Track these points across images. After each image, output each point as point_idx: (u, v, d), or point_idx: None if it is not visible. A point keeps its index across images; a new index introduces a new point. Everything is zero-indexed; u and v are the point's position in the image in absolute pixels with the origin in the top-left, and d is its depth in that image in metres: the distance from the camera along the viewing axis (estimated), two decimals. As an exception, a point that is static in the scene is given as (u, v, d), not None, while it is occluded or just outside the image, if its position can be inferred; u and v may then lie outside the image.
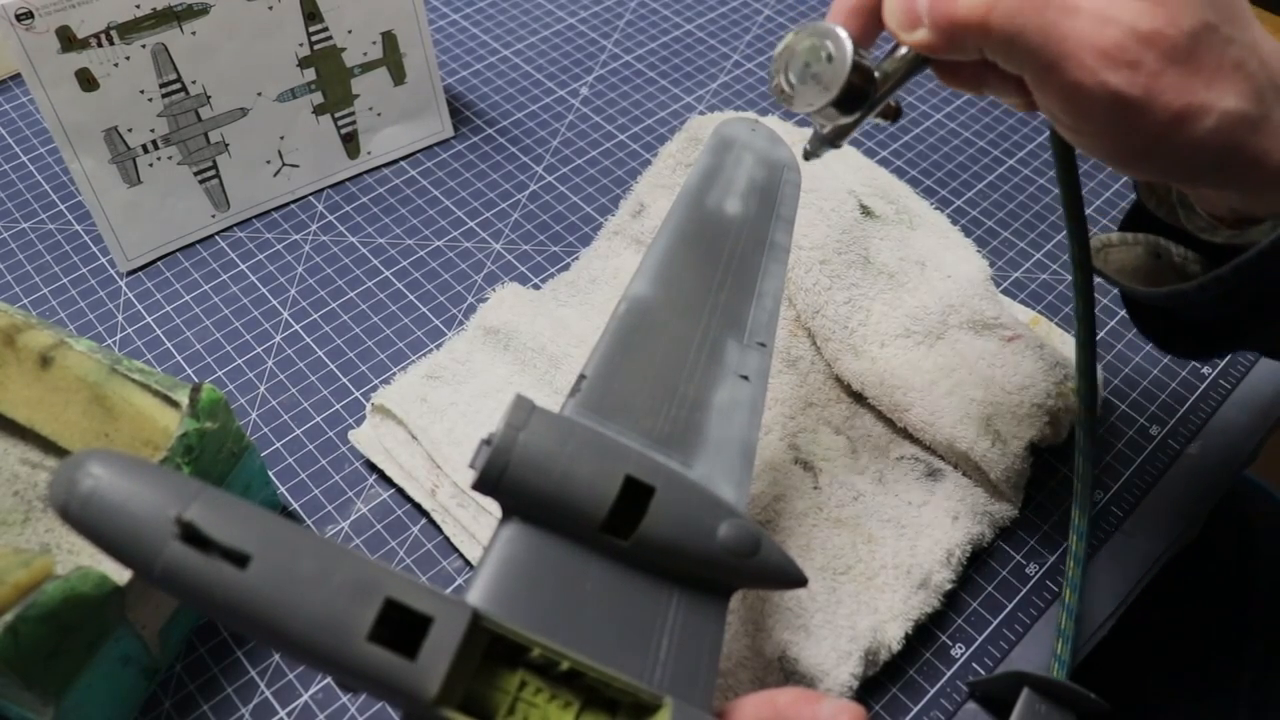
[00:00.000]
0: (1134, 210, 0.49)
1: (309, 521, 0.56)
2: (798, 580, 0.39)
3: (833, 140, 0.44)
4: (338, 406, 0.62)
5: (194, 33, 0.64)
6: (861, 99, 0.40)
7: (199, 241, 0.71)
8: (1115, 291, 0.62)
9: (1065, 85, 0.34)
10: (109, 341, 0.65)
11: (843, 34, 0.39)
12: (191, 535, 0.30)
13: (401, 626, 0.31)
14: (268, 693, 0.50)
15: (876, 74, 0.40)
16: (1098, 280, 0.49)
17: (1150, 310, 0.48)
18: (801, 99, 0.40)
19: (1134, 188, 0.48)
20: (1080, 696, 0.46)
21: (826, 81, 0.39)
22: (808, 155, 0.45)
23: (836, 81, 0.39)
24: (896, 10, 0.37)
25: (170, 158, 0.67)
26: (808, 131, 0.70)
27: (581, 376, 0.41)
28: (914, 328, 0.59)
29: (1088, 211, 0.70)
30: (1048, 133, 0.48)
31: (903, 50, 0.39)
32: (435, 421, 0.55)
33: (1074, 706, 0.47)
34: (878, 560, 0.52)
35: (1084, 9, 0.33)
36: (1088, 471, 0.53)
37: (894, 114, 0.44)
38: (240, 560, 0.30)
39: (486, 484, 0.36)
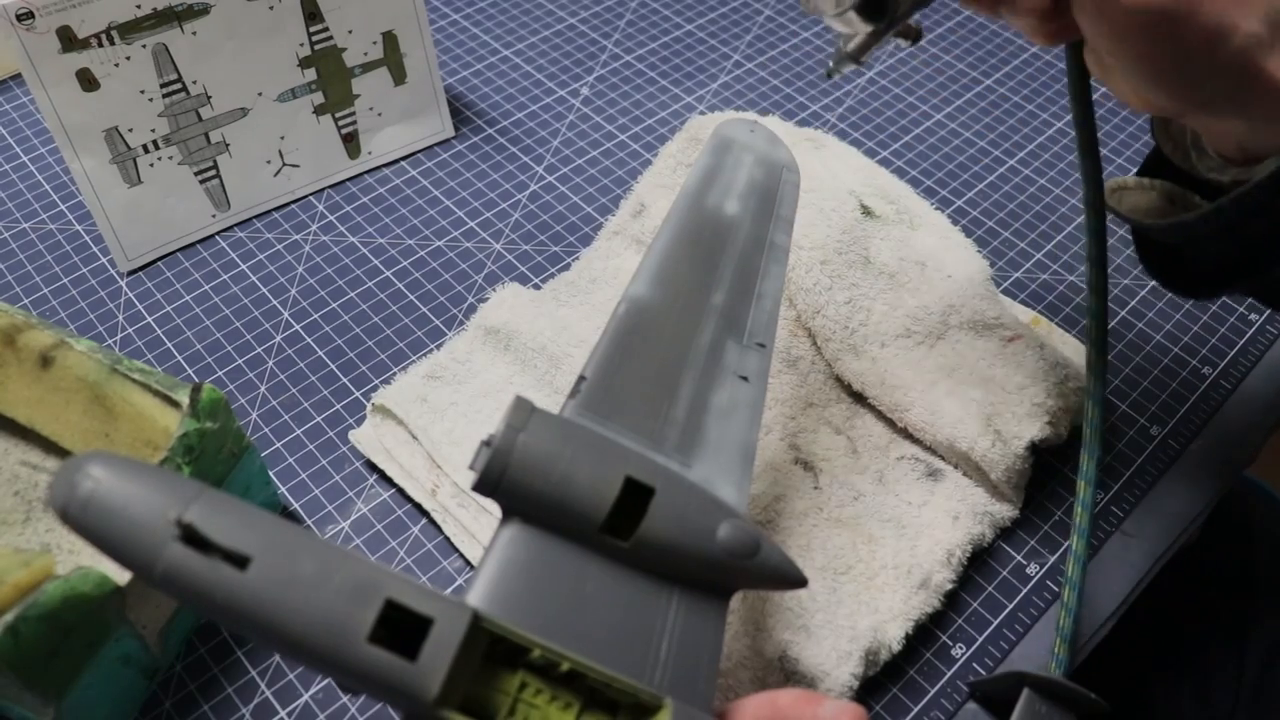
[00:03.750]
0: (1151, 158, 0.50)
1: (309, 521, 0.56)
2: (798, 581, 0.39)
3: (855, 56, 0.44)
4: (338, 406, 0.62)
5: (194, 33, 0.64)
6: (886, 6, 0.40)
7: (199, 241, 0.71)
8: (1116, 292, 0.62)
9: None
10: (109, 341, 0.65)
11: None
12: (191, 537, 0.30)
13: (402, 628, 0.31)
14: (268, 693, 0.50)
15: None
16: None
17: (1156, 247, 0.49)
18: (827, 2, 0.41)
19: (1151, 132, 0.49)
20: (1080, 696, 0.46)
21: None
22: (830, 73, 0.46)
23: None
24: None
25: (171, 158, 0.67)
26: (807, 132, 0.70)
27: (581, 378, 0.41)
28: (914, 328, 0.59)
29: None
30: (1064, 76, 0.50)
31: None
32: (435, 421, 0.55)
33: (1074, 706, 0.47)
34: (878, 560, 0.52)
35: None
36: (1093, 470, 0.52)
37: (916, 35, 0.45)
38: (240, 562, 0.30)
39: (486, 485, 0.36)
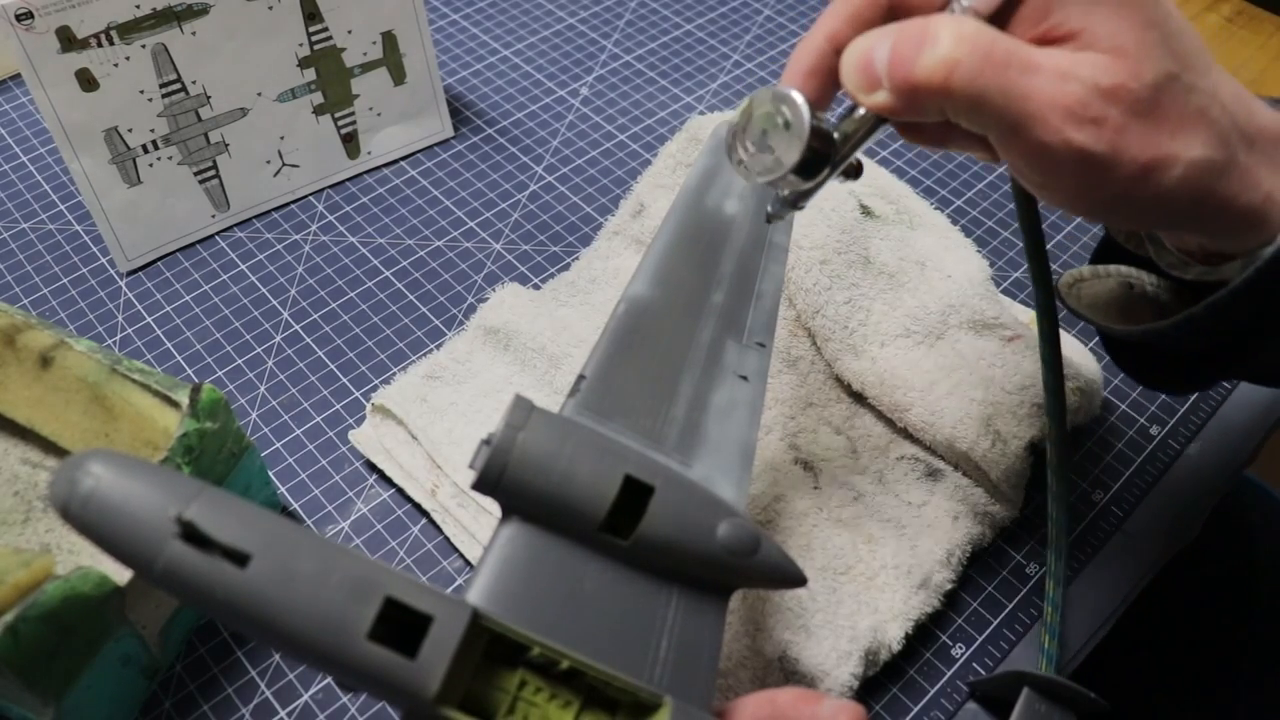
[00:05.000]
0: (1104, 243, 0.49)
1: (309, 521, 0.56)
2: (797, 580, 0.39)
3: (794, 203, 0.42)
4: (338, 406, 0.62)
5: (194, 33, 0.64)
6: (822, 163, 0.38)
7: (199, 241, 0.71)
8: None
9: (1030, 144, 0.33)
10: (109, 341, 0.65)
11: (799, 99, 0.37)
12: (192, 534, 0.30)
13: (401, 626, 0.31)
14: (268, 693, 0.50)
15: (836, 135, 0.38)
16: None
17: (1127, 346, 0.47)
18: (761, 168, 0.38)
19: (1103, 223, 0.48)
20: (1080, 696, 0.46)
21: (785, 149, 0.37)
22: (769, 218, 0.44)
23: (795, 149, 0.37)
24: (854, 72, 0.36)
25: (170, 158, 0.67)
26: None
27: (581, 377, 0.41)
28: (914, 328, 0.59)
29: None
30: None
31: (861, 110, 0.37)
32: (435, 421, 0.55)
33: (1074, 706, 0.47)
34: (878, 560, 0.52)
35: (1045, 66, 0.33)
36: (1060, 571, 0.52)
37: (856, 172, 0.42)
38: (240, 559, 0.30)
39: (486, 484, 0.36)
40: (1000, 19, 0.34)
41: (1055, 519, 0.52)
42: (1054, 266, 0.66)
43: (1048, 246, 0.61)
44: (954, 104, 0.33)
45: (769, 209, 0.43)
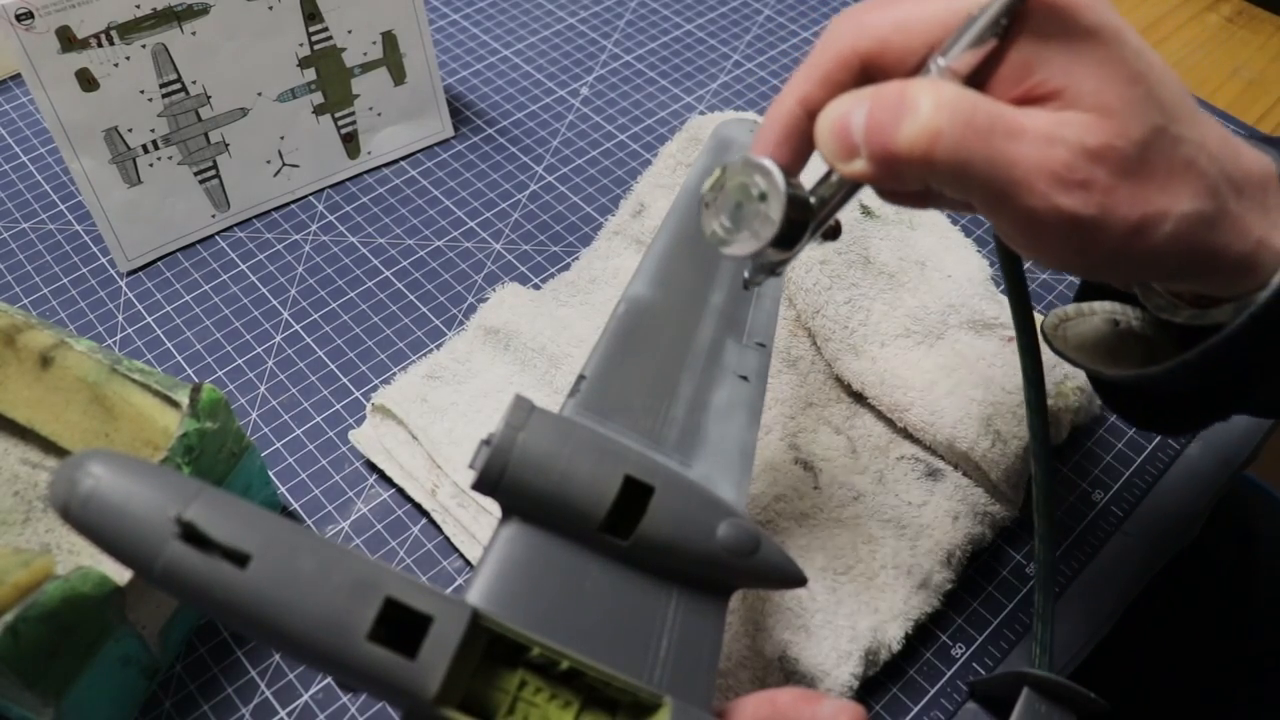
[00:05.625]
0: (1087, 281, 0.48)
1: (309, 521, 0.56)
2: (797, 580, 0.39)
3: (772, 269, 0.41)
4: (338, 406, 0.62)
5: (194, 33, 0.64)
6: (800, 232, 0.36)
7: (199, 241, 0.71)
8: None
9: (1018, 211, 0.32)
10: (109, 341, 0.65)
11: (774, 169, 0.35)
12: (191, 535, 0.30)
13: (401, 626, 0.31)
14: (268, 693, 0.50)
15: (813, 200, 0.36)
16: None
17: (1118, 389, 0.46)
18: (738, 243, 0.36)
19: None
20: (1080, 696, 0.46)
21: (762, 221, 0.35)
22: (747, 285, 0.42)
23: (773, 221, 0.35)
24: (830, 140, 0.34)
25: (170, 158, 0.67)
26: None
27: (581, 377, 0.41)
28: (914, 328, 0.59)
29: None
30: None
31: (836, 176, 0.36)
32: (435, 421, 0.55)
33: (1074, 706, 0.47)
34: (878, 560, 0.52)
35: (1029, 131, 0.31)
36: (1049, 612, 0.49)
37: (835, 233, 0.41)
38: (240, 560, 0.30)
39: (486, 484, 0.36)
40: (978, 79, 0.33)
41: (1041, 559, 0.48)
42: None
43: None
44: (937, 174, 0.32)
45: (746, 276, 0.42)
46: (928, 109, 0.31)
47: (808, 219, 0.36)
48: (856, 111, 0.33)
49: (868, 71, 0.35)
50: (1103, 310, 0.46)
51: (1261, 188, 0.35)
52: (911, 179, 0.32)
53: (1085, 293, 0.48)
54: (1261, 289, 0.35)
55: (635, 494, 0.36)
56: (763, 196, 0.35)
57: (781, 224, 0.35)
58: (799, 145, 0.37)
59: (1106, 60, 0.32)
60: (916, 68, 0.34)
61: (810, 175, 0.37)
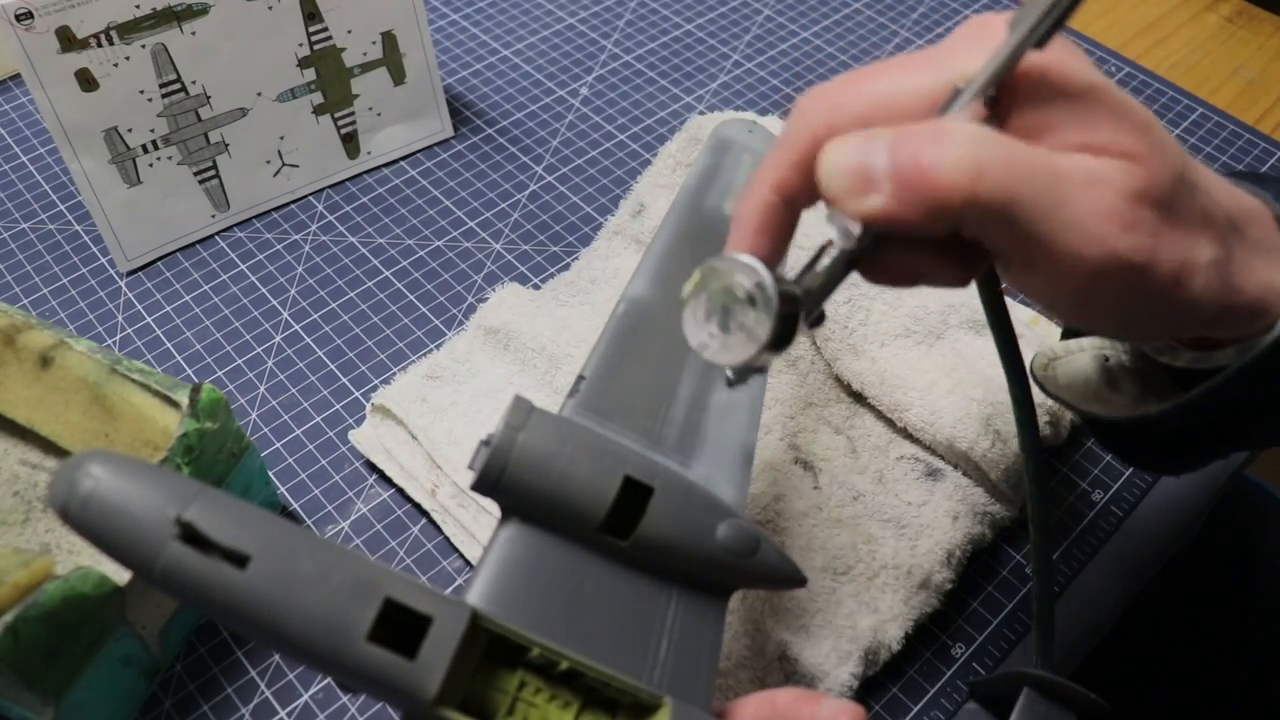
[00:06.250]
0: None
1: (309, 521, 0.56)
2: (796, 580, 0.39)
3: (759, 368, 0.36)
4: (338, 406, 0.62)
5: (194, 33, 0.64)
6: (794, 329, 0.33)
7: (199, 241, 0.71)
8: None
9: (1063, 257, 0.29)
10: (109, 341, 0.65)
11: (760, 268, 0.32)
12: (191, 536, 0.30)
13: (401, 626, 0.31)
14: (268, 693, 0.50)
15: (800, 293, 0.33)
16: None
17: (1113, 428, 0.45)
18: (730, 350, 0.33)
19: None
20: (1080, 696, 0.46)
21: (754, 325, 0.33)
22: (731, 384, 0.37)
23: (765, 323, 0.32)
24: (842, 171, 0.30)
25: (170, 158, 0.67)
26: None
27: (580, 377, 0.41)
28: (914, 327, 0.59)
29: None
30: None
31: (825, 261, 0.33)
32: (435, 421, 0.55)
33: (1074, 706, 0.47)
34: (878, 560, 0.52)
35: (1073, 171, 0.29)
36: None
37: (820, 320, 0.36)
38: (240, 560, 0.30)
39: (485, 484, 0.36)
40: None
41: (1040, 571, 0.47)
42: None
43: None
44: (979, 212, 0.29)
45: (729, 376, 0.37)
46: (969, 142, 0.28)
47: (798, 313, 0.33)
48: (875, 144, 0.30)
49: None
50: (1091, 347, 0.45)
51: (1262, 229, 0.35)
52: (944, 218, 0.29)
53: (1071, 329, 0.47)
54: (1266, 331, 0.34)
55: (635, 494, 0.36)
56: (751, 299, 0.33)
57: (776, 325, 0.32)
58: (778, 235, 0.35)
59: (1113, 113, 0.30)
60: None
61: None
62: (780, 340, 0.33)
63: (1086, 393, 0.44)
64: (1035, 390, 0.55)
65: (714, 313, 0.34)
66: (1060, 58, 0.31)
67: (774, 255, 0.35)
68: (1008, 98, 0.31)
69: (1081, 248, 0.29)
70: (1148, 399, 0.42)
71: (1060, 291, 0.31)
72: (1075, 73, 0.31)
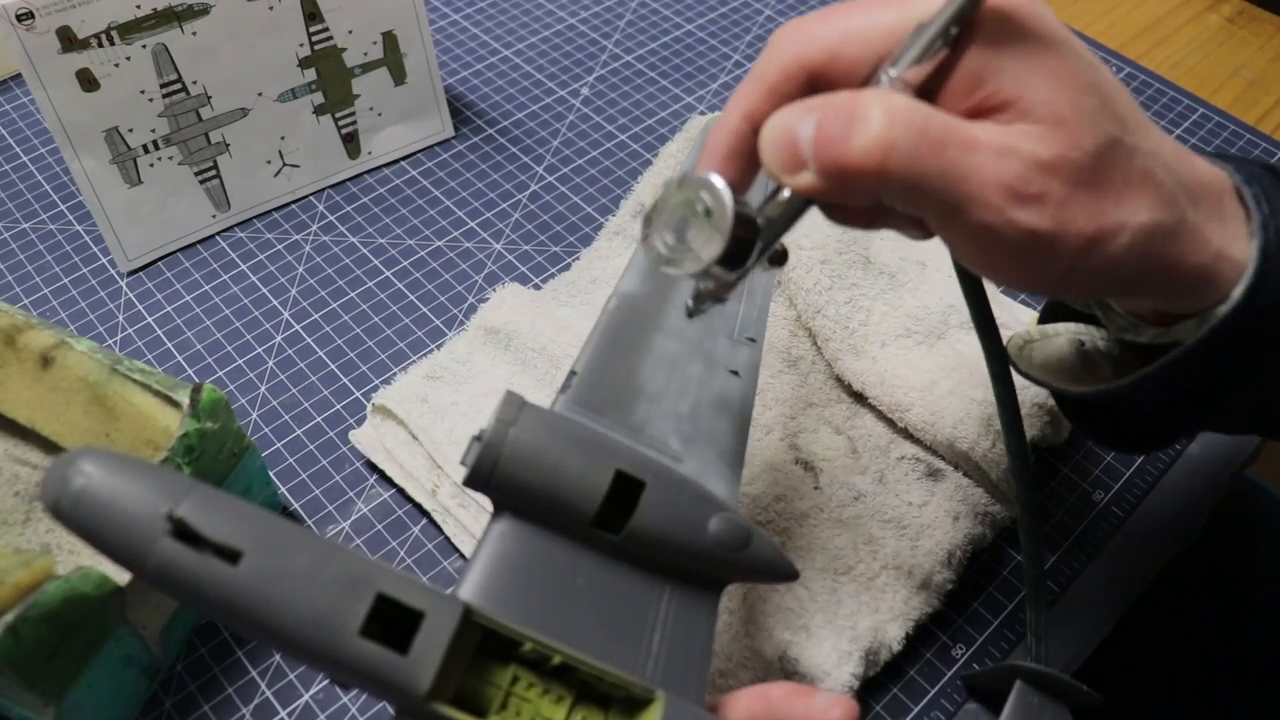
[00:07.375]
0: (1052, 301, 0.48)
1: (309, 522, 0.57)
2: (788, 574, 0.39)
3: (717, 295, 0.38)
4: (338, 406, 0.62)
5: (194, 33, 0.64)
6: (746, 252, 0.34)
7: (199, 241, 0.71)
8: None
9: (971, 226, 0.31)
10: (109, 341, 0.65)
11: (720, 184, 0.33)
12: (183, 531, 0.30)
13: (393, 622, 0.31)
14: (268, 693, 0.50)
15: (760, 220, 0.34)
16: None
17: (1083, 406, 0.45)
18: (682, 260, 0.35)
19: None
20: (1073, 689, 0.46)
21: (707, 239, 0.34)
22: (690, 313, 0.39)
23: (719, 238, 0.33)
24: (775, 151, 0.33)
25: (171, 158, 0.67)
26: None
27: (572, 373, 0.41)
28: (915, 328, 0.59)
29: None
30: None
31: (787, 193, 0.34)
32: (436, 422, 0.55)
33: (1067, 699, 0.47)
34: (878, 561, 0.52)
35: (982, 142, 0.30)
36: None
37: (781, 258, 0.37)
38: (231, 556, 0.30)
39: (477, 479, 0.36)
40: (929, 90, 0.32)
41: (1033, 577, 0.48)
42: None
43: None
44: (890, 187, 0.31)
45: (689, 304, 0.39)
46: (880, 120, 0.30)
47: (754, 238, 0.34)
48: (804, 122, 0.32)
49: (815, 84, 0.34)
50: (1067, 332, 0.45)
51: (1217, 199, 0.35)
52: (862, 194, 0.31)
53: (1050, 314, 0.47)
54: (1222, 302, 0.35)
55: (626, 489, 0.36)
56: (708, 212, 0.34)
57: (729, 241, 0.33)
58: (746, 162, 0.36)
59: (1059, 70, 0.31)
60: (866, 79, 0.33)
61: (757, 194, 0.35)
62: (732, 256, 0.34)
63: (1060, 373, 0.45)
64: (1035, 390, 0.55)
65: (672, 224, 0.35)
66: (1028, 3, 0.32)
67: (739, 180, 0.37)
68: (967, 35, 0.32)
69: (985, 218, 0.31)
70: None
71: (974, 253, 0.33)
72: (1036, 19, 0.32)
